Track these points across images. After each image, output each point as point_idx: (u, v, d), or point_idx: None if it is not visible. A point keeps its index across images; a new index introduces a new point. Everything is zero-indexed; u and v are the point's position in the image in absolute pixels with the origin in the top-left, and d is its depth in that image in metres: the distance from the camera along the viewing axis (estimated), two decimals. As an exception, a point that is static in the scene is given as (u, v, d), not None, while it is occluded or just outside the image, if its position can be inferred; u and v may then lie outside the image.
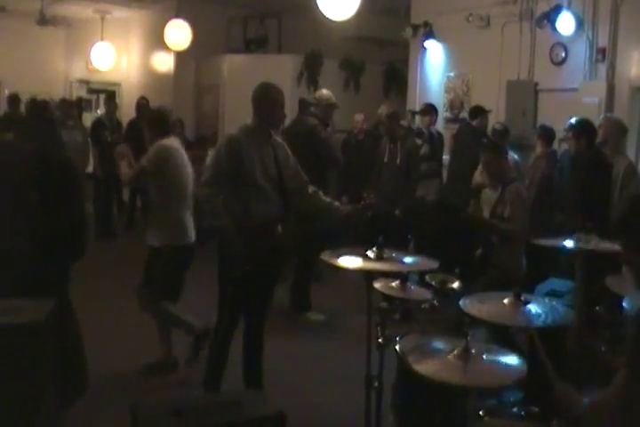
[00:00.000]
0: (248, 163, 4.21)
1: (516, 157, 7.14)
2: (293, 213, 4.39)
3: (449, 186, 7.90)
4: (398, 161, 6.75)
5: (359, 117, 9.28)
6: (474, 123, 7.99)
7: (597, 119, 6.40)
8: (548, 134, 7.05)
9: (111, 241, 9.50)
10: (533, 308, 3.00)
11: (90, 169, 9.63)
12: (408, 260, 3.45)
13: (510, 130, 7.55)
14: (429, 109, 8.30)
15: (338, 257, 3.28)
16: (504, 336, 4.15)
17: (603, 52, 7.47)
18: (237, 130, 4.35)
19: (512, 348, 3.06)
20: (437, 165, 8.24)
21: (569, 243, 3.82)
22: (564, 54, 7.95)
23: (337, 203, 4.59)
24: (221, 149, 4.26)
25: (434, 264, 3.44)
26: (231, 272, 4.21)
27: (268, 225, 4.26)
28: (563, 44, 7.96)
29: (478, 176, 6.81)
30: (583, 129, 5.80)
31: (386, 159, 6.85)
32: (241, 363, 4.45)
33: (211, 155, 5.62)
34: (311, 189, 4.54)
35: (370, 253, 3.28)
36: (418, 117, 8.75)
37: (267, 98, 4.36)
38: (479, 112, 8.12)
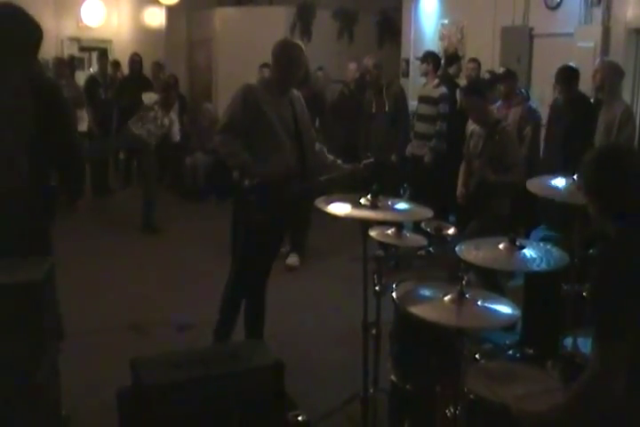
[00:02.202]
0: (265, 113, 4.15)
1: (535, 103, 7.06)
2: (309, 167, 4.37)
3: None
4: (387, 108, 6.73)
5: (352, 66, 8.98)
6: (450, 70, 7.88)
7: (593, 64, 6.34)
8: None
9: (107, 199, 9.50)
10: (528, 252, 3.01)
11: (85, 127, 9.57)
12: (403, 207, 3.45)
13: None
14: (426, 57, 7.94)
15: (332, 205, 3.27)
16: (493, 283, 4.19)
17: (598, -5, 7.34)
18: (256, 81, 4.30)
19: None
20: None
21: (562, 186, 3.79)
22: (558, -2, 7.82)
23: (339, 161, 4.57)
24: (237, 99, 4.17)
25: (428, 213, 3.43)
26: (246, 222, 4.18)
27: (286, 179, 4.23)
28: (558, -12, 7.82)
29: (472, 124, 6.76)
30: (566, 75, 5.87)
31: (374, 110, 6.83)
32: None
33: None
34: (318, 145, 4.52)
35: (364, 201, 3.27)
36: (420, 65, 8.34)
37: (288, 56, 4.25)
38: (454, 59, 8.02)
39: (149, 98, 8.38)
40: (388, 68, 8.62)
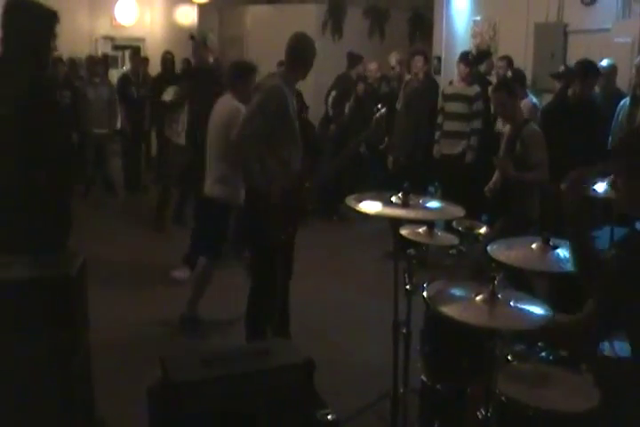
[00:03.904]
0: (291, 116, 4.10)
1: (534, 100, 6.97)
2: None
3: None
4: (400, 106, 6.76)
5: (373, 66, 8.96)
6: (481, 68, 7.77)
7: (630, 60, 6.25)
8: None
9: (140, 195, 9.59)
10: (562, 252, 2.96)
11: (118, 125, 9.65)
12: (434, 206, 3.40)
13: (525, 75, 7.43)
14: (461, 58, 7.60)
15: (363, 203, 3.24)
16: (524, 284, 4.12)
17: (637, -11, 7.22)
18: (277, 80, 4.15)
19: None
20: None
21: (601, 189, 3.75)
22: (595, -7, 7.71)
23: None
24: (269, 104, 4.00)
25: (460, 212, 3.37)
26: (270, 240, 4.12)
27: (301, 180, 4.18)
28: (594, -17, 7.71)
29: (501, 123, 6.69)
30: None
31: (397, 106, 6.88)
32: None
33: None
34: None
35: (395, 200, 3.24)
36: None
37: (310, 50, 4.23)
38: (485, 56, 7.92)
39: (170, 94, 8.17)
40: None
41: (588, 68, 5.78)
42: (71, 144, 3.93)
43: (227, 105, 4.87)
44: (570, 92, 5.85)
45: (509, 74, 7.44)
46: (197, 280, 5.11)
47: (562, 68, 6.75)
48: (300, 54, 4.21)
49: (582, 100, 5.74)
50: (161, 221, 7.70)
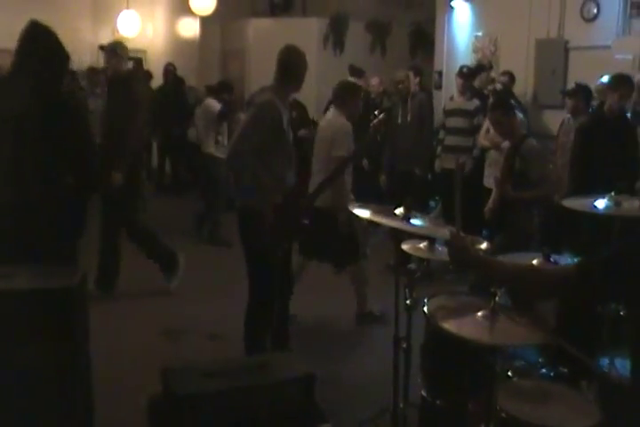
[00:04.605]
0: (285, 132, 4.10)
1: (521, 115, 6.99)
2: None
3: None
4: (409, 117, 6.75)
5: (375, 81, 8.97)
6: (475, 83, 7.75)
7: (632, 76, 6.26)
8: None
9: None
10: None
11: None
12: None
13: (512, 90, 7.53)
14: (458, 72, 7.72)
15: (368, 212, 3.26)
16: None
17: (638, 6, 7.23)
18: (269, 95, 4.11)
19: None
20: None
21: (600, 205, 3.75)
22: (596, 10, 7.72)
23: None
24: (262, 119, 4.01)
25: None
26: (269, 251, 4.12)
27: (296, 194, 4.19)
28: (595, 0, 7.74)
29: (482, 140, 6.74)
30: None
31: (399, 121, 6.86)
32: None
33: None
34: None
35: (398, 213, 3.25)
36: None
37: (302, 62, 4.23)
38: (479, 70, 7.96)
39: (210, 106, 8.08)
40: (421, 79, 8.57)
41: (621, 81, 5.81)
42: (96, 151, 4.01)
43: (333, 121, 5.03)
44: (605, 106, 5.86)
45: (499, 86, 7.49)
46: (356, 283, 5.34)
47: (573, 85, 6.77)
48: (290, 68, 4.19)
49: (618, 112, 5.77)
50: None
